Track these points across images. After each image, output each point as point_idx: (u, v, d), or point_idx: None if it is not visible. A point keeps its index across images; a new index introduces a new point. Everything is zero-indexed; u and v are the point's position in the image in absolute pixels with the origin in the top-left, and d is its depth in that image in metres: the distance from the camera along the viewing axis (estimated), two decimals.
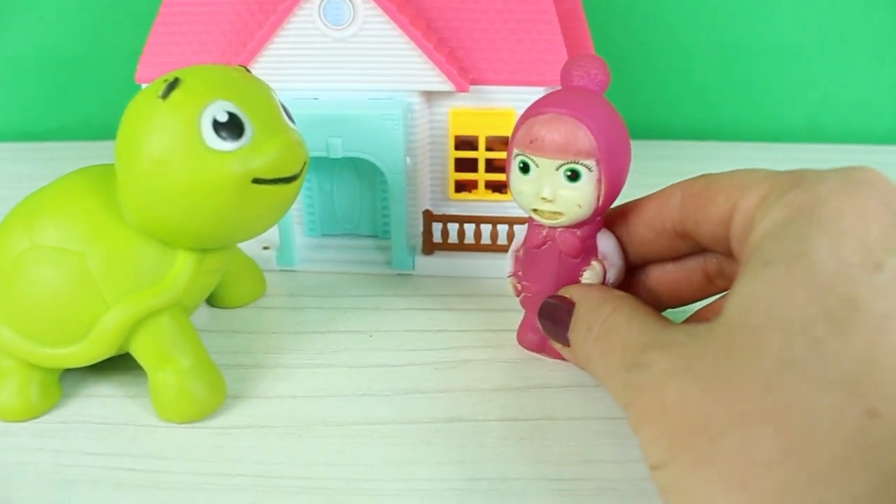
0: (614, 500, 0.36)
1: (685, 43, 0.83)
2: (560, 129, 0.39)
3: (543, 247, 0.43)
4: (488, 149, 0.55)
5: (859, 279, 0.27)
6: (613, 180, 0.40)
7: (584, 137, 0.39)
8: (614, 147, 0.40)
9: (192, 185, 0.37)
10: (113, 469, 0.38)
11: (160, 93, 0.37)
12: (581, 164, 0.39)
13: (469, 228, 0.56)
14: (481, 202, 0.57)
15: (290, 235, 0.55)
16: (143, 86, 0.56)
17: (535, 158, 0.40)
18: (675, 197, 0.39)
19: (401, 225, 0.53)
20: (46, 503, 0.37)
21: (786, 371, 0.27)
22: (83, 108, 0.92)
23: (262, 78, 0.42)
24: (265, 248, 0.56)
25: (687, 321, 0.43)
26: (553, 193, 0.40)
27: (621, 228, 0.43)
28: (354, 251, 0.57)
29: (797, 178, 0.32)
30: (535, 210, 0.41)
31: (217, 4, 0.55)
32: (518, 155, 0.41)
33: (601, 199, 0.40)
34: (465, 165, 0.56)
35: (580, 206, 0.40)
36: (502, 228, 0.55)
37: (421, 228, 0.55)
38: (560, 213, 0.41)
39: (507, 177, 0.42)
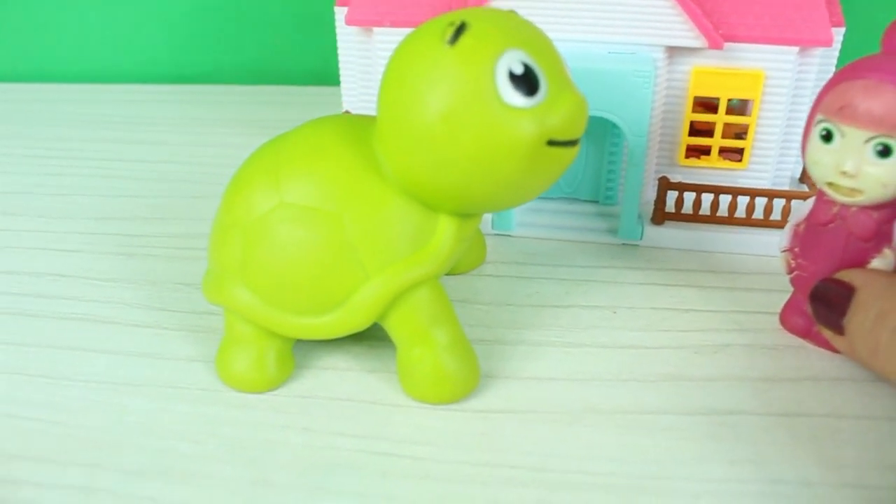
0: None
1: None
2: (880, 98, 0.35)
3: (831, 225, 0.39)
4: (728, 112, 0.50)
5: None
6: None
7: None
8: None
9: (484, 145, 0.33)
10: (373, 454, 0.35)
11: (447, 37, 0.33)
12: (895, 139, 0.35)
13: (705, 199, 0.51)
14: (713, 170, 0.52)
15: None
16: (341, 29, 0.52)
17: (842, 127, 0.36)
18: None
19: (635, 191, 0.49)
20: (310, 488, 0.34)
21: None
22: (239, 53, 0.89)
23: None
24: None
25: None
26: (857, 168, 0.36)
27: None
28: (573, 217, 0.53)
29: None
30: (830, 184, 0.37)
31: None
32: (822, 121, 0.37)
33: None
34: (700, 130, 0.51)
35: (885, 186, 0.36)
36: (742, 200, 0.50)
37: (648, 196, 0.51)
38: (860, 191, 0.36)
39: (803, 144, 0.38)
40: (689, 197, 0.52)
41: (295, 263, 0.36)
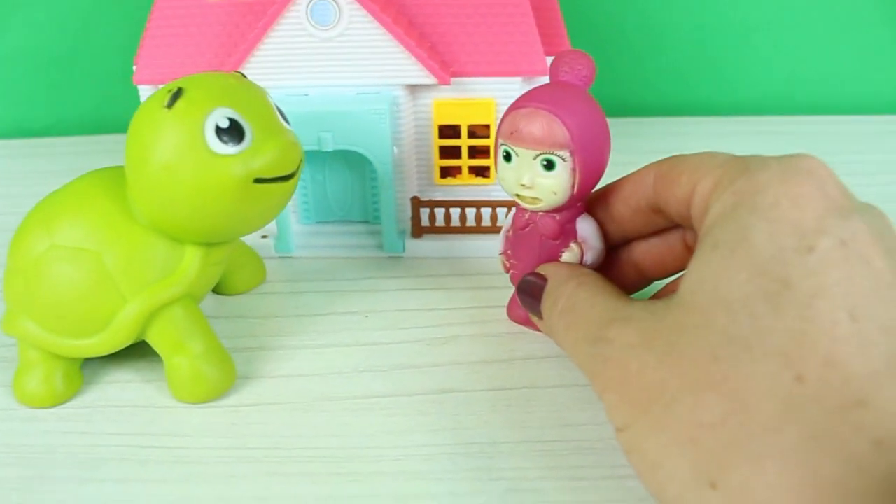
0: (592, 458, 0.40)
1: (658, 22, 0.86)
2: (537, 123, 0.42)
3: (526, 229, 0.47)
4: (470, 136, 0.58)
5: (792, 261, 0.31)
6: (588, 170, 0.43)
7: (559, 130, 0.42)
8: (589, 139, 0.43)
9: (199, 187, 0.41)
10: (137, 447, 0.42)
11: (165, 102, 0.41)
12: (556, 154, 0.42)
13: (454, 212, 0.59)
14: (465, 186, 0.60)
15: (287, 224, 0.59)
16: (141, 87, 0.59)
17: (515, 148, 0.43)
18: (648, 176, 0.42)
19: (390, 211, 0.57)
20: (79, 480, 0.40)
21: (729, 344, 0.30)
22: (78, 104, 0.94)
23: (255, 77, 0.46)
24: (263, 236, 0.59)
25: (653, 297, 0.47)
26: (531, 181, 0.43)
27: (603, 208, 0.46)
28: (347, 236, 0.61)
29: (745, 166, 0.35)
30: (517, 195, 0.45)
31: (208, 7, 0.58)
32: (502, 144, 0.44)
33: (576, 186, 0.43)
34: (449, 152, 0.59)
35: (555, 193, 0.43)
36: (485, 211, 0.59)
37: (409, 213, 0.59)
38: (538, 199, 0.44)
39: (494, 164, 0.46)
40: (442, 212, 0.60)
41: (65, 295, 0.43)
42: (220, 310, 0.54)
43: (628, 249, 0.47)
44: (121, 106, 0.91)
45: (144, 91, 0.61)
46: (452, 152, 0.59)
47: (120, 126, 0.89)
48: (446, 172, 0.60)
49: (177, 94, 0.41)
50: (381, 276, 0.57)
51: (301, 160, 0.44)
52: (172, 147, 0.40)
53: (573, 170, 0.43)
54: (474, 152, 0.59)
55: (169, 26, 0.59)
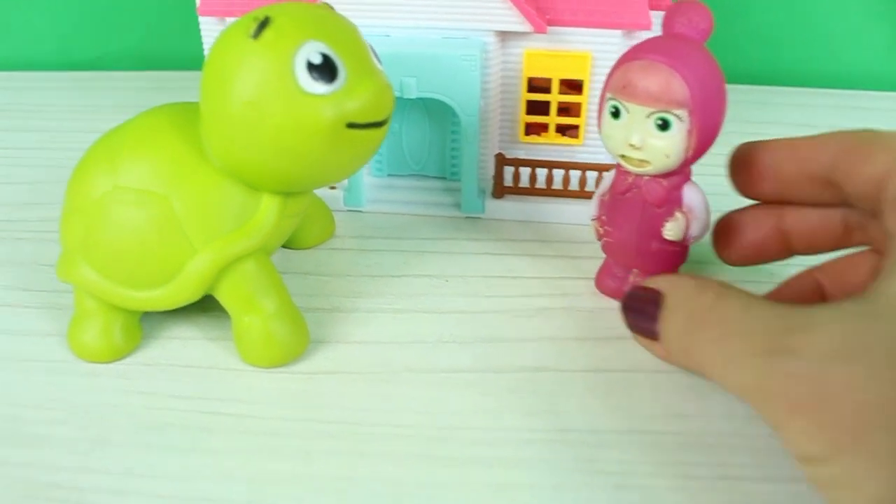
0: (704, 455, 0.37)
1: None
2: (654, 77, 0.38)
3: (628, 193, 0.43)
4: (561, 91, 0.54)
5: None
6: (705, 132, 0.39)
7: (677, 87, 0.38)
8: (708, 99, 0.39)
9: (286, 129, 0.36)
10: (203, 413, 0.39)
11: (251, 32, 0.36)
12: (672, 113, 0.38)
13: (540, 173, 0.55)
14: (551, 146, 0.56)
15: (359, 175, 0.55)
16: (200, 18, 0.55)
17: (626, 104, 0.40)
18: (829, 145, 0.38)
19: (472, 168, 0.53)
20: (142, 445, 0.37)
21: None
22: (124, 38, 0.90)
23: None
24: (332, 188, 0.55)
25: (773, 297, 0.42)
26: (642, 141, 0.40)
27: (769, 159, 0.41)
28: (421, 192, 0.57)
29: None
30: (622, 156, 0.41)
31: None
32: (610, 99, 0.40)
33: (691, 150, 0.39)
34: (536, 108, 0.55)
35: (668, 156, 0.40)
36: (574, 174, 0.54)
37: (491, 171, 0.55)
38: (647, 162, 0.40)
39: (599, 120, 0.42)
40: (527, 172, 0.55)
41: (128, 242, 0.39)
42: (286, 265, 0.50)
43: (779, 213, 0.43)
44: (169, 41, 0.88)
45: (207, 24, 0.56)
46: (539, 108, 0.55)
47: (168, 62, 0.88)
48: (530, 129, 0.56)
49: (264, 23, 0.36)
50: (459, 237, 0.53)
51: (393, 106, 0.40)
52: (258, 82, 0.36)
53: (689, 131, 0.39)
54: (562, 109, 0.55)
55: None
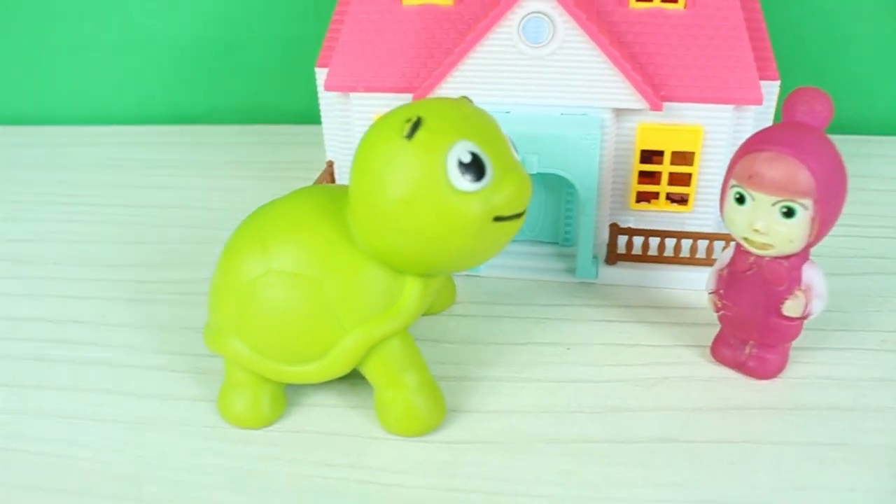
0: None
1: (843, 33, 0.82)
2: (781, 168, 0.40)
3: (748, 272, 0.45)
4: (672, 162, 0.56)
5: None
6: (828, 218, 0.41)
7: (804, 178, 0.40)
8: (832, 187, 0.41)
9: (437, 224, 0.39)
10: (354, 481, 0.42)
11: (405, 133, 0.39)
12: (798, 202, 0.40)
13: (652, 240, 0.57)
14: (661, 212, 0.58)
15: None
16: (321, 88, 0.58)
17: (752, 192, 0.41)
18: None
19: (588, 235, 0.55)
20: None
21: None
22: (233, 93, 0.94)
23: (454, 91, 0.44)
24: None
25: None
26: (766, 227, 0.41)
27: None
28: (536, 258, 0.59)
29: None
30: (745, 238, 0.43)
31: (403, 13, 0.57)
32: (735, 186, 0.42)
33: (813, 235, 0.41)
34: (646, 177, 0.57)
35: (791, 241, 0.42)
36: (686, 243, 0.56)
37: (604, 237, 0.57)
38: (771, 245, 0.42)
39: (721, 204, 0.44)
40: (640, 239, 0.57)
41: (282, 322, 0.42)
42: (414, 332, 0.52)
43: None
44: (275, 97, 0.92)
45: (327, 99, 0.60)
46: (650, 177, 0.57)
47: (272, 116, 0.92)
48: (641, 197, 0.58)
49: (417, 124, 0.39)
50: (576, 303, 0.55)
51: (531, 194, 0.42)
52: (413, 181, 0.39)
53: (813, 218, 0.41)
54: (674, 179, 0.57)
55: (362, 31, 0.58)
